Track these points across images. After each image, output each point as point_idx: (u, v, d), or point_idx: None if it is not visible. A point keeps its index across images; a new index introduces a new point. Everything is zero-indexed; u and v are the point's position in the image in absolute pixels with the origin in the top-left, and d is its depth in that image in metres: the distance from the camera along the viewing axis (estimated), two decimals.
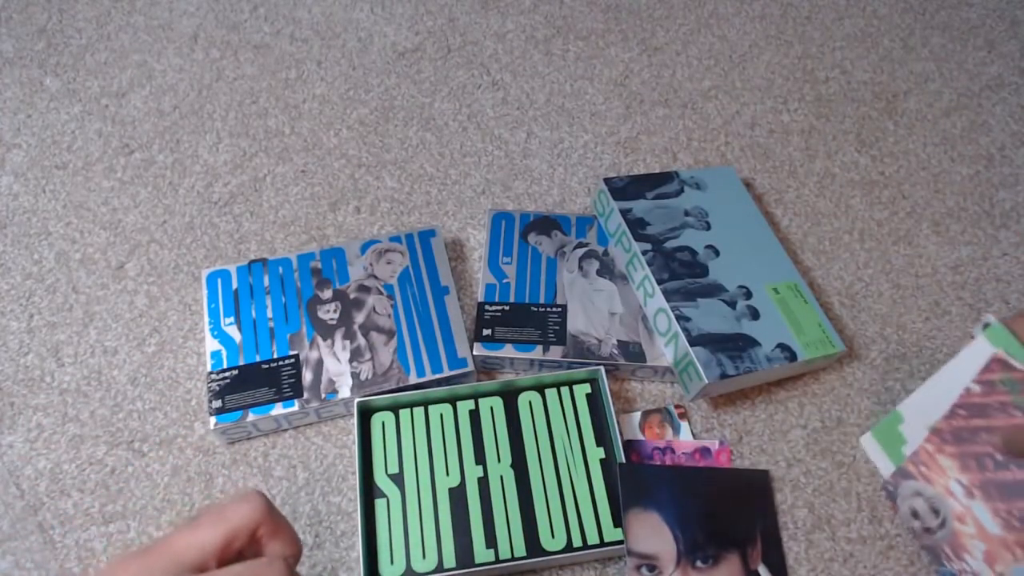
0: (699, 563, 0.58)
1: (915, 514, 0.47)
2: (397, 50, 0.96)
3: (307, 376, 0.65)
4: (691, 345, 0.63)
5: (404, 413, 0.65)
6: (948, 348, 0.72)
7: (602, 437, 0.64)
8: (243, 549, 0.35)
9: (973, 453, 0.45)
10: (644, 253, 0.69)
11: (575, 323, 0.69)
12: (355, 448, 0.64)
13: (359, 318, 0.68)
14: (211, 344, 0.66)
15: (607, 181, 0.74)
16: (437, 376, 0.65)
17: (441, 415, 0.65)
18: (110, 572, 0.31)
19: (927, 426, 0.47)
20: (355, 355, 0.66)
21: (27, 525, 0.61)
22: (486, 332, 0.68)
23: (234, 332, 0.67)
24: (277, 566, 0.33)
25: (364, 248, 0.73)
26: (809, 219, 0.81)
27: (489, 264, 0.73)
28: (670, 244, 0.70)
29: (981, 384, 0.47)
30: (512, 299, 0.70)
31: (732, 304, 0.67)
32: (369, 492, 0.61)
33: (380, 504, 0.60)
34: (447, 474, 0.62)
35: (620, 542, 0.59)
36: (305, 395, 0.64)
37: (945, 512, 0.45)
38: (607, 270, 0.73)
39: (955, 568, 0.45)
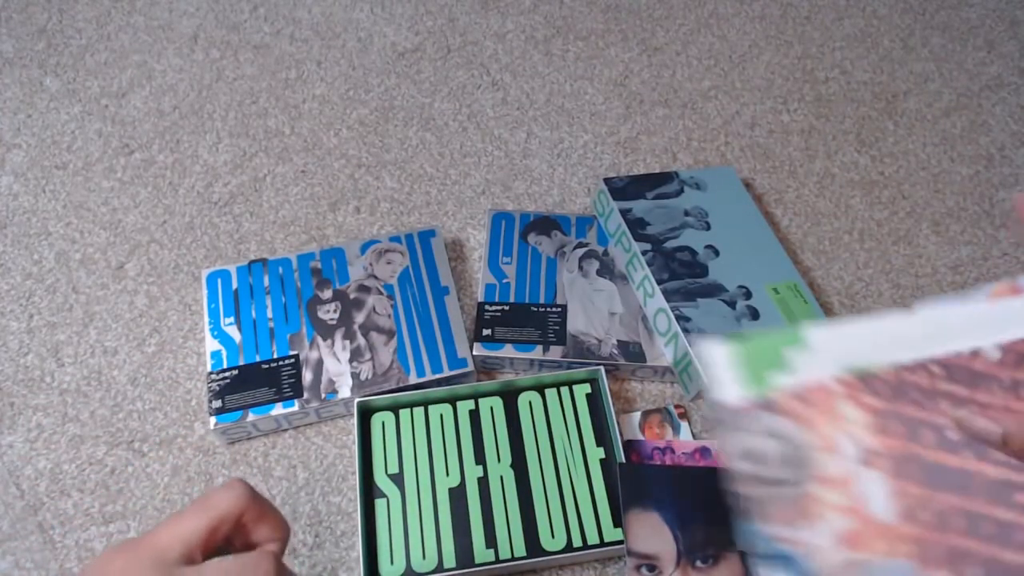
0: (699, 563, 0.58)
1: (753, 456, 0.35)
2: (397, 50, 0.96)
3: (307, 376, 0.65)
4: (691, 345, 0.63)
5: (404, 413, 0.65)
6: None
7: (602, 437, 0.64)
8: (230, 536, 0.34)
9: (912, 419, 0.36)
10: (644, 253, 0.69)
11: (575, 323, 0.69)
12: (355, 448, 0.64)
13: (359, 318, 0.68)
14: (211, 344, 0.66)
15: (607, 181, 0.74)
16: (437, 376, 0.65)
17: (441, 415, 0.65)
18: (97, 568, 0.31)
19: (846, 365, 0.37)
20: (355, 355, 0.66)
21: (27, 525, 0.61)
22: (486, 332, 0.68)
23: (234, 332, 0.67)
24: (265, 559, 0.33)
25: (364, 248, 0.73)
26: (809, 219, 0.81)
27: (489, 264, 0.73)
28: (670, 244, 0.70)
29: (1006, 352, 0.36)
30: (512, 299, 0.70)
31: (732, 304, 0.67)
32: (369, 492, 0.61)
33: (380, 504, 0.60)
34: (447, 474, 0.62)
35: (620, 542, 0.59)
36: (305, 395, 0.64)
37: (807, 468, 0.35)
38: (607, 270, 0.73)
39: (777, 533, 0.33)
